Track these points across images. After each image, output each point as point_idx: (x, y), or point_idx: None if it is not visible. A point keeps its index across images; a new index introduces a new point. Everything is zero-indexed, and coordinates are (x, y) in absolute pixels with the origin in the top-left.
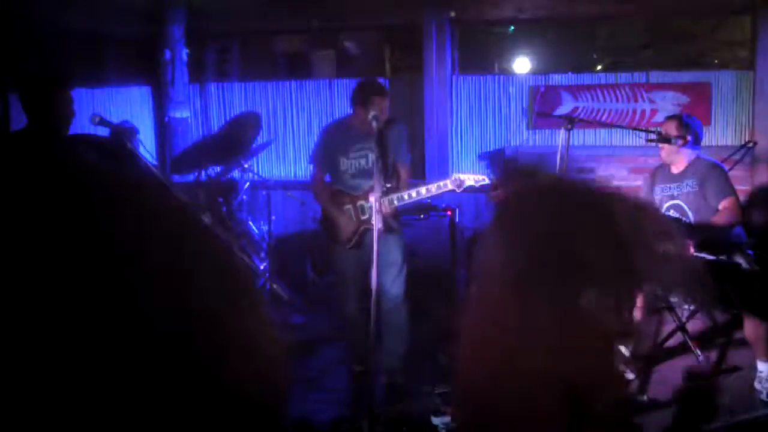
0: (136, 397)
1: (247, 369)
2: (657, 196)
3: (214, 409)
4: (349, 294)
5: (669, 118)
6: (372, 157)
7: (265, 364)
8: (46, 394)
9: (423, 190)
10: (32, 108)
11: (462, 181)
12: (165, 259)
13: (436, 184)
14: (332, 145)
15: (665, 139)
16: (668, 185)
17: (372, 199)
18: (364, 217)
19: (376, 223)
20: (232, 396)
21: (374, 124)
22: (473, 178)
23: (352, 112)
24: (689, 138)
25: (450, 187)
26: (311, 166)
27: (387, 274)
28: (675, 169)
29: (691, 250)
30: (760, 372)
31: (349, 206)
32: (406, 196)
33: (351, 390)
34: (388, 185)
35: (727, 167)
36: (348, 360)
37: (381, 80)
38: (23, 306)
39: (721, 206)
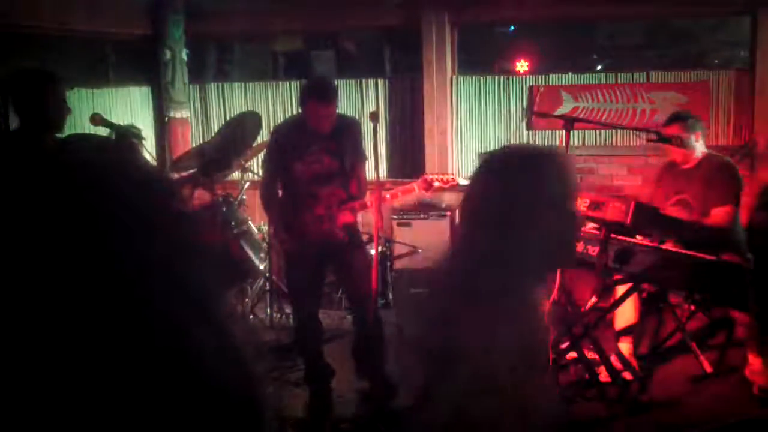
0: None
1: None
2: (664, 189)
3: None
4: (300, 313)
5: (671, 121)
6: (328, 161)
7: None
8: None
9: (388, 195)
10: (24, 106)
11: (430, 183)
12: (159, 255)
13: (402, 188)
14: (285, 151)
15: (665, 139)
16: (677, 179)
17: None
18: (325, 228)
19: (376, 223)
20: (210, 388)
21: (373, 123)
22: (443, 178)
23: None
24: (697, 136)
25: (418, 190)
26: (262, 172)
27: (362, 281)
28: (686, 165)
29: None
30: (751, 364)
31: (308, 217)
32: (369, 204)
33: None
34: (350, 194)
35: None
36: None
37: (382, 78)
38: (20, 297)
39: (713, 211)
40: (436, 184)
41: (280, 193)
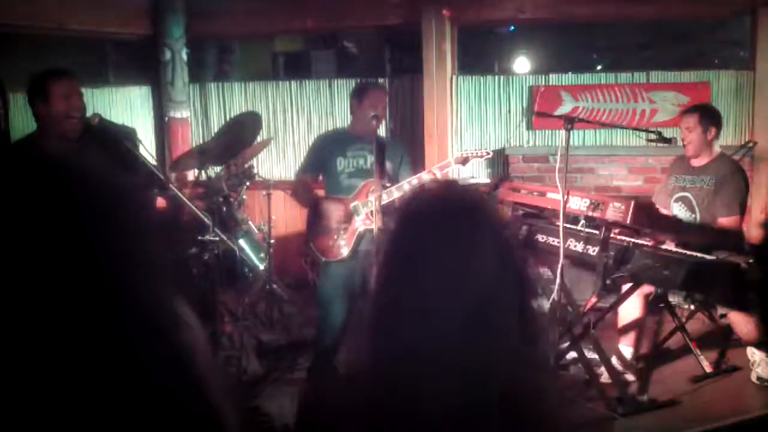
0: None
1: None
2: (669, 186)
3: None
4: (330, 323)
5: (691, 110)
6: (371, 158)
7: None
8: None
9: (424, 175)
10: (38, 104)
11: (466, 158)
12: (141, 268)
13: (438, 165)
14: (328, 147)
15: (665, 139)
16: (683, 176)
17: (372, 197)
18: (359, 217)
19: (376, 223)
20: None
21: (374, 122)
22: (476, 152)
23: (351, 115)
24: (712, 133)
25: (453, 165)
26: (299, 171)
27: None
28: (696, 162)
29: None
30: (753, 355)
31: (341, 210)
32: (413, 181)
33: None
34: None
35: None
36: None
37: (380, 80)
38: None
39: (720, 221)
40: (472, 159)
41: (321, 192)
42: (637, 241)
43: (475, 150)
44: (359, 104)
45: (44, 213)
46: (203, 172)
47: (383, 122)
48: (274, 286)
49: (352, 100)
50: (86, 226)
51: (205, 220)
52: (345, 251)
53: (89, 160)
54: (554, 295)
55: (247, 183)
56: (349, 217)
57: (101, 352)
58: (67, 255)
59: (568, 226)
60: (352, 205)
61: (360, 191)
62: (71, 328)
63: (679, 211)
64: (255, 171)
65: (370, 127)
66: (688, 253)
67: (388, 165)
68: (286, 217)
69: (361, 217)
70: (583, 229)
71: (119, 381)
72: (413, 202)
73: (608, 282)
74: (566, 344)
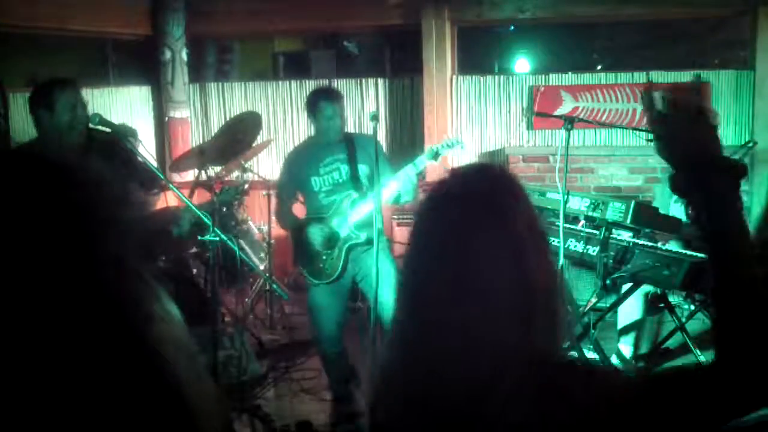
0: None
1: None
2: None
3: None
4: (326, 332)
5: None
6: (345, 168)
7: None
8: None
9: (401, 174)
10: (41, 113)
11: (436, 151)
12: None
13: (411, 164)
14: (301, 166)
15: None
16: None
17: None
18: (345, 234)
19: (376, 224)
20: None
21: (373, 123)
22: (445, 143)
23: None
24: None
25: (426, 161)
26: (278, 192)
27: (386, 285)
28: None
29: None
30: None
31: (326, 230)
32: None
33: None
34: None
35: None
36: (331, 391)
37: (382, 78)
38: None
39: None
40: (443, 152)
41: (300, 213)
42: (637, 241)
43: (444, 141)
44: (314, 118)
45: (15, 209)
46: (203, 172)
47: (379, 121)
48: (274, 286)
49: (307, 113)
50: (60, 222)
51: (205, 220)
52: (336, 273)
53: (81, 161)
54: None
55: (240, 198)
56: (334, 239)
57: (63, 343)
58: (36, 249)
59: (568, 226)
60: (334, 222)
61: (342, 206)
62: (36, 319)
63: (678, 211)
64: (247, 185)
65: (334, 132)
66: (688, 253)
67: (363, 168)
68: None
69: (346, 233)
70: (583, 229)
71: (82, 371)
72: (446, 186)
73: (608, 282)
74: (566, 344)
